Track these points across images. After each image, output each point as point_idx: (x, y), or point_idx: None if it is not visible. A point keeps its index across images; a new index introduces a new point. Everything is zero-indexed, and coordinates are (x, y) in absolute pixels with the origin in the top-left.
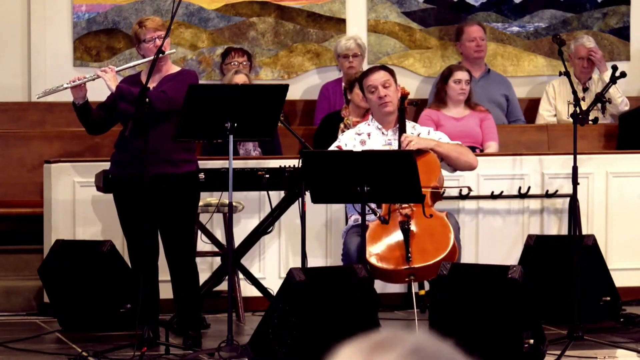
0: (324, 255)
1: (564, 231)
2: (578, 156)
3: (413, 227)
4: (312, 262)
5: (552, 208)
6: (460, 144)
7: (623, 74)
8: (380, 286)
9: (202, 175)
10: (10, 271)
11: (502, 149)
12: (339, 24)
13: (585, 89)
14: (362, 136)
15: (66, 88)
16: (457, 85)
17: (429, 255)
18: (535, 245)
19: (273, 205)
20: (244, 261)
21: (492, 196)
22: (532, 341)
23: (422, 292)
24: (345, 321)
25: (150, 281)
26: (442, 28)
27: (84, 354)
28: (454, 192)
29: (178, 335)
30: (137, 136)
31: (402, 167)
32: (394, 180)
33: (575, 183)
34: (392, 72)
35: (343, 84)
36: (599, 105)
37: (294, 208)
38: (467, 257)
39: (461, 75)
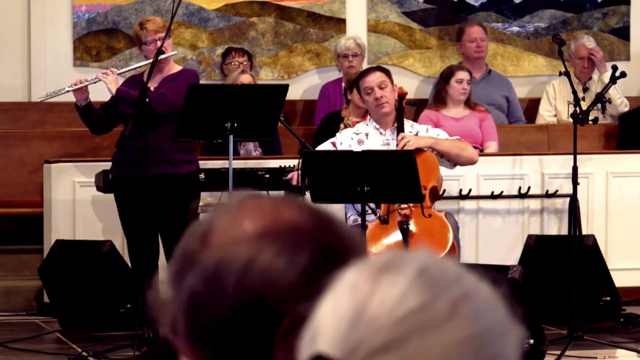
0: None
1: (564, 231)
2: (578, 156)
3: (412, 227)
4: None
5: (552, 208)
6: (460, 138)
7: (623, 74)
8: None
9: (202, 176)
10: (10, 271)
11: (502, 149)
12: (339, 24)
13: (585, 89)
14: (360, 136)
15: (68, 91)
16: (459, 85)
17: None
18: (535, 245)
19: None
20: None
21: (492, 196)
22: (532, 341)
23: None
24: None
25: (150, 281)
26: (442, 28)
27: (84, 354)
28: (454, 192)
29: None
30: (137, 136)
31: (402, 167)
32: (394, 180)
33: (575, 183)
34: (388, 73)
35: (343, 84)
36: (599, 105)
37: None
38: (467, 257)
39: (463, 75)
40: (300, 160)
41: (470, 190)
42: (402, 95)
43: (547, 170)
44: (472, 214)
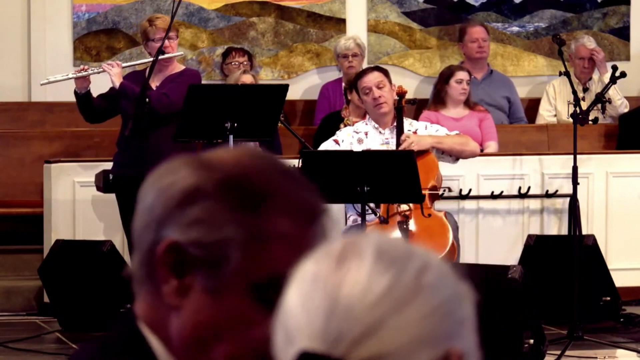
0: None
1: (564, 231)
2: (578, 156)
3: (412, 227)
4: None
5: (552, 208)
6: (459, 133)
7: (623, 74)
8: None
9: None
10: (10, 271)
11: (502, 149)
12: (339, 24)
13: (585, 89)
14: (359, 135)
15: (71, 78)
16: (459, 85)
17: None
18: (535, 245)
19: None
20: None
21: (492, 196)
22: (532, 341)
23: None
24: None
25: None
26: (442, 28)
27: None
28: (454, 192)
29: None
30: (137, 136)
31: (402, 167)
32: (394, 180)
33: (575, 183)
34: (386, 72)
35: (343, 84)
36: (599, 105)
37: None
38: (467, 257)
39: (462, 75)
40: (300, 160)
41: (470, 190)
42: (401, 94)
43: (547, 170)
44: (472, 214)
